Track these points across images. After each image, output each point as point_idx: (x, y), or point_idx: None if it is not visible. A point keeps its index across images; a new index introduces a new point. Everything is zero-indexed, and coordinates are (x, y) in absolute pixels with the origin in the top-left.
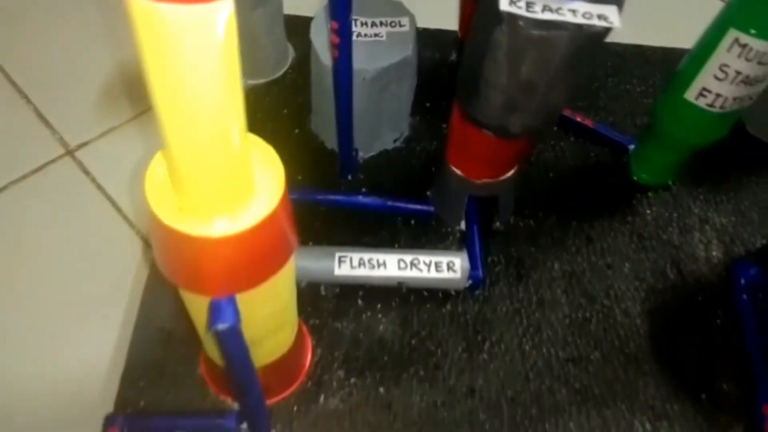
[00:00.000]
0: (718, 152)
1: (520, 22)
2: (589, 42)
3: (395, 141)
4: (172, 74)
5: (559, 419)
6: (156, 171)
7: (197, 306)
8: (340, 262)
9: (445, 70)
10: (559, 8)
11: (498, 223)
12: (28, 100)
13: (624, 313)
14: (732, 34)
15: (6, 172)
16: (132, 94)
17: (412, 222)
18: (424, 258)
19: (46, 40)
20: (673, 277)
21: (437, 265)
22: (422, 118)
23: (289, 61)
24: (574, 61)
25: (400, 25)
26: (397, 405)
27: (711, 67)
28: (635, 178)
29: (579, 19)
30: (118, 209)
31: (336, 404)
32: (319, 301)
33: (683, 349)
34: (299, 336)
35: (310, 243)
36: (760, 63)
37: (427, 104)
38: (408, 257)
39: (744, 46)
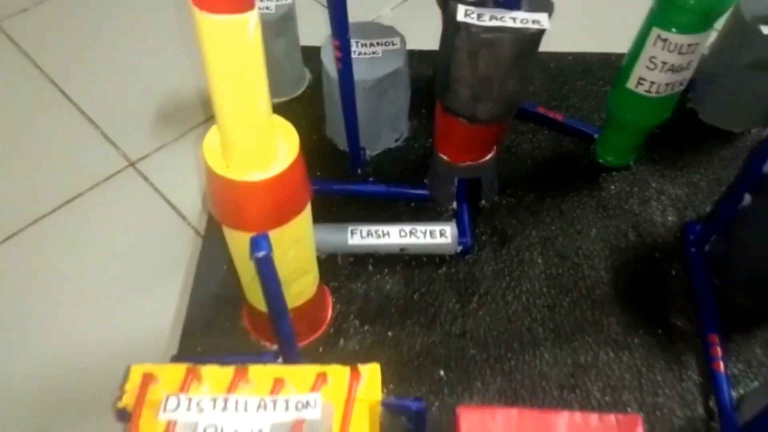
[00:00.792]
0: (674, 137)
1: (473, 29)
2: (528, 42)
3: (396, 140)
4: (221, 65)
5: (536, 351)
6: (211, 140)
7: (240, 246)
8: (352, 234)
9: None
10: (503, 17)
11: (484, 202)
12: (96, 125)
13: (591, 267)
14: (655, 31)
15: (81, 182)
16: (181, 115)
17: (412, 204)
18: (420, 228)
19: (106, 71)
20: (633, 238)
21: (431, 233)
22: (419, 122)
23: (306, 82)
24: (519, 58)
25: (393, 44)
26: (402, 345)
27: (643, 59)
28: (601, 160)
29: (518, 24)
30: (173, 207)
31: (353, 346)
32: (336, 268)
33: (642, 295)
34: (321, 292)
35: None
36: (679, 53)
37: (423, 110)
38: (407, 228)
39: (665, 40)
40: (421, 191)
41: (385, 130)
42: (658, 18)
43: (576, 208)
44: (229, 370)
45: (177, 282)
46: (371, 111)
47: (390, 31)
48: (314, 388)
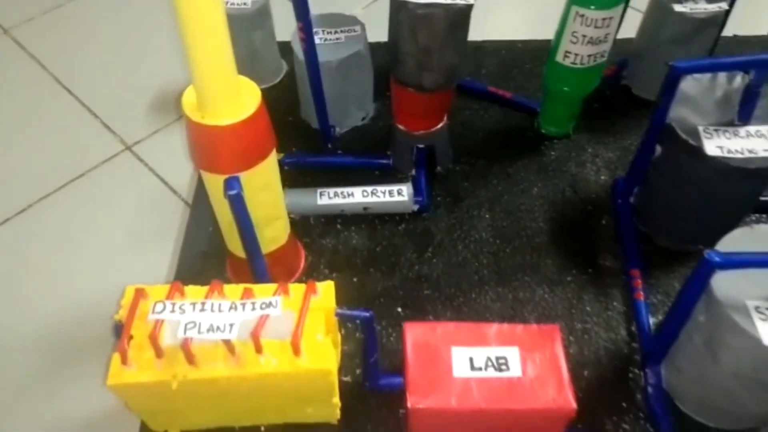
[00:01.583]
0: (609, 110)
1: (410, 6)
2: (458, 14)
3: (363, 119)
4: (193, 24)
5: (481, 290)
6: (188, 97)
7: (217, 189)
8: (320, 195)
9: None
10: None
11: (439, 168)
12: (95, 115)
13: (531, 220)
14: (574, 9)
15: (83, 164)
16: (173, 104)
17: (377, 173)
18: (380, 188)
19: (104, 65)
20: (570, 195)
21: (390, 192)
22: (383, 103)
23: (283, 72)
24: (452, 30)
25: (354, 31)
26: (366, 288)
27: (567, 35)
28: (543, 131)
29: (448, 1)
30: (166, 183)
31: None
32: (309, 227)
33: (576, 241)
34: (294, 243)
35: None
36: (596, 27)
37: (387, 93)
38: (369, 188)
39: (583, 16)
40: (384, 161)
41: (352, 109)
42: None
43: (521, 171)
44: (206, 288)
45: (170, 245)
46: (338, 90)
47: (352, 20)
48: (276, 295)
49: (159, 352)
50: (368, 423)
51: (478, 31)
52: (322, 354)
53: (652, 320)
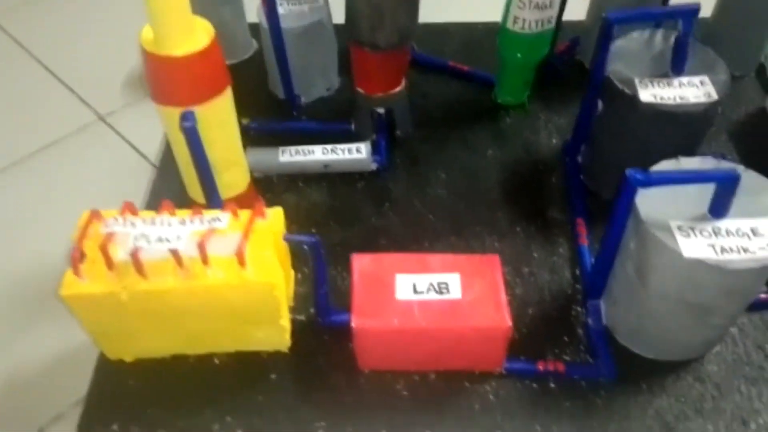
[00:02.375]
0: (562, 82)
1: None
2: None
3: (328, 90)
4: None
5: (436, 240)
6: (146, 32)
7: (173, 124)
8: (282, 152)
9: None
10: None
11: (399, 132)
12: (72, 90)
13: (486, 179)
14: None
15: (56, 132)
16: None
17: (339, 139)
18: (340, 146)
19: (79, 41)
20: (523, 157)
21: (349, 150)
22: (347, 77)
23: (253, 50)
24: None
25: (317, 3)
26: (324, 238)
27: (515, 0)
28: (500, 101)
29: None
30: (137, 149)
31: None
32: (272, 185)
33: (526, 197)
34: (254, 195)
35: None
36: None
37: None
38: (329, 146)
39: None
40: (346, 126)
41: (317, 79)
42: None
43: (477, 137)
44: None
45: (140, 199)
46: (301, 59)
47: None
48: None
49: (110, 264)
50: (320, 355)
51: (443, 13)
52: (268, 268)
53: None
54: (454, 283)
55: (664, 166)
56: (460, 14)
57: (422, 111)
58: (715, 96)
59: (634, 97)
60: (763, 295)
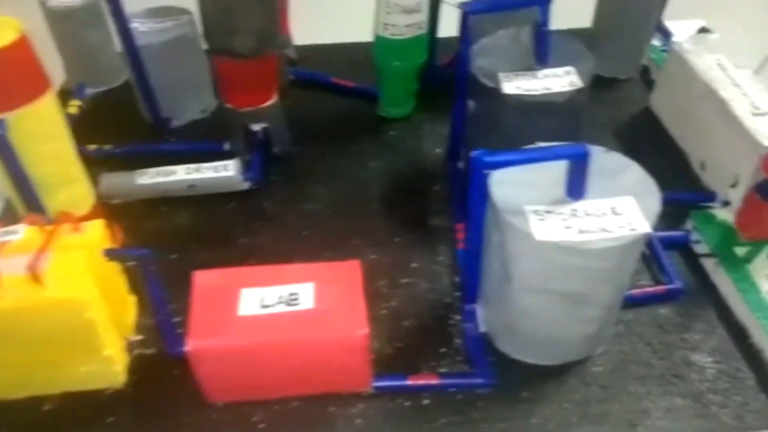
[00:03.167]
0: (446, 93)
1: None
2: None
3: (203, 112)
4: None
5: (309, 257)
6: None
7: None
8: (140, 175)
9: None
10: None
11: (276, 149)
12: None
13: (366, 190)
14: None
15: None
16: None
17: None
18: (206, 165)
19: None
20: (405, 167)
21: (215, 168)
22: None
23: (125, 76)
24: None
25: (182, 19)
26: (185, 262)
27: (382, 6)
28: (384, 114)
29: None
30: None
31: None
32: (130, 211)
33: (408, 206)
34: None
35: None
36: None
37: None
38: (194, 165)
39: None
40: (220, 146)
41: (189, 100)
42: None
43: (360, 150)
44: None
45: None
46: (167, 77)
47: (182, 11)
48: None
49: None
50: (167, 392)
51: (330, 34)
52: (74, 286)
53: None
54: (306, 293)
55: None
56: (349, 34)
57: (304, 127)
58: (579, 84)
59: (498, 90)
60: (648, 288)
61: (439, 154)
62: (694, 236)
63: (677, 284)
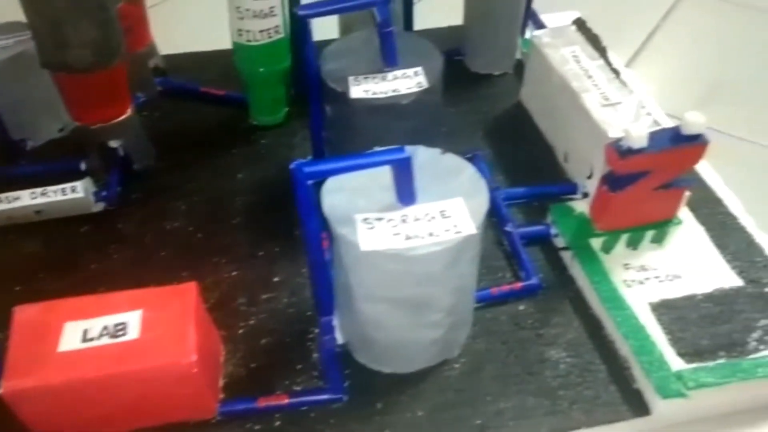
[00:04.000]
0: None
1: None
2: None
3: (61, 131)
4: None
5: (164, 278)
6: None
7: None
8: None
9: None
10: None
11: (136, 165)
12: None
13: (231, 203)
14: None
15: None
16: None
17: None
18: (52, 188)
19: None
20: (275, 176)
21: (63, 191)
22: None
23: None
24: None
25: (25, 35)
26: (33, 295)
27: (234, 12)
28: (256, 122)
29: None
30: None
31: None
32: None
33: (275, 217)
34: None
35: None
36: None
37: None
38: (39, 189)
39: None
40: (76, 165)
41: (43, 118)
42: None
43: (228, 161)
44: None
45: None
46: (12, 96)
47: (25, 26)
48: None
49: None
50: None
51: (203, 41)
52: None
53: None
54: (134, 323)
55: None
56: (222, 42)
57: (172, 140)
58: (425, 84)
59: (345, 95)
60: (505, 286)
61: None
62: (553, 230)
63: (534, 280)
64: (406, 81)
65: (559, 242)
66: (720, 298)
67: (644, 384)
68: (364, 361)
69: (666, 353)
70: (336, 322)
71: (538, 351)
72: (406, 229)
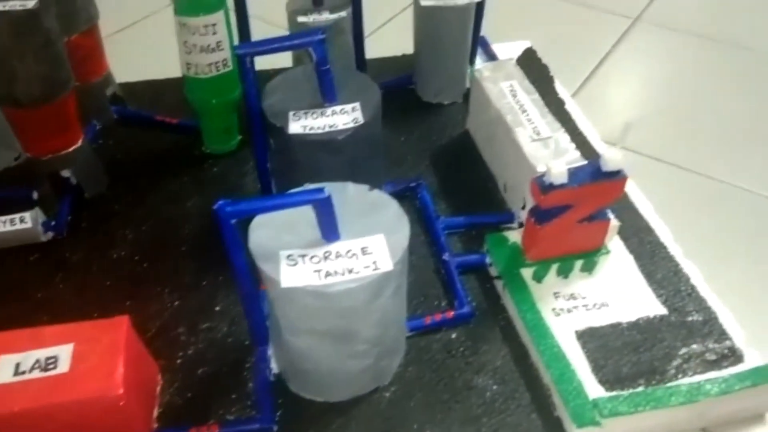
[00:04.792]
0: None
1: None
2: (21, 21)
3: (16, 159)
4: None
5: (107, 308)
6: None
7: None
8: None
9: None
10: None
11: (87, 194)
12: None
13: (178, 231)
14: (176, 18)
15: None
16: None
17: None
18: (0, 219)
19: None
20: None
21: (11, 221)
22: None
23: None
24: (18, 38)
25: None
26: None
27: (181, 46)
28: (209, 150)
29: (7, 7)
30: None
31: None
32: None
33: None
34: None
35: None
36: (201, 35)
37: None
38: None
39: (185, 25)
40: (27, 193)
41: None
42: (176, 7)
43: (180, 188)
44: None
45: None
46: None
47: None
48: None
49: None
50: None
51: (159, 69)
52: None
53: None
54: (64, 356)
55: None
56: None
57: (124, 168)
58: (361, 120)
59: (284, 129)
60: (437, 315)
61: (260, 189)
62: (488, 259)
63: (466, 308)
64: (343, 117)
65: (493, 271)
66: (644, 327)
67: (563, 412)
68: (297, 390)
69: (586, 381)
70: (271, 351)
71: (466, 378)
72: (327, 266)
